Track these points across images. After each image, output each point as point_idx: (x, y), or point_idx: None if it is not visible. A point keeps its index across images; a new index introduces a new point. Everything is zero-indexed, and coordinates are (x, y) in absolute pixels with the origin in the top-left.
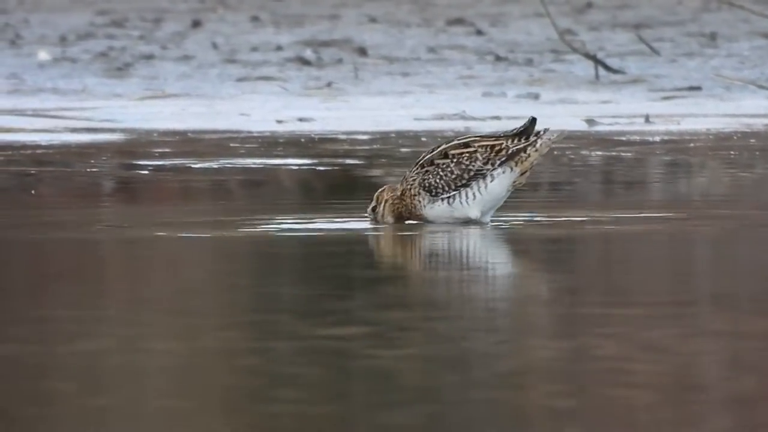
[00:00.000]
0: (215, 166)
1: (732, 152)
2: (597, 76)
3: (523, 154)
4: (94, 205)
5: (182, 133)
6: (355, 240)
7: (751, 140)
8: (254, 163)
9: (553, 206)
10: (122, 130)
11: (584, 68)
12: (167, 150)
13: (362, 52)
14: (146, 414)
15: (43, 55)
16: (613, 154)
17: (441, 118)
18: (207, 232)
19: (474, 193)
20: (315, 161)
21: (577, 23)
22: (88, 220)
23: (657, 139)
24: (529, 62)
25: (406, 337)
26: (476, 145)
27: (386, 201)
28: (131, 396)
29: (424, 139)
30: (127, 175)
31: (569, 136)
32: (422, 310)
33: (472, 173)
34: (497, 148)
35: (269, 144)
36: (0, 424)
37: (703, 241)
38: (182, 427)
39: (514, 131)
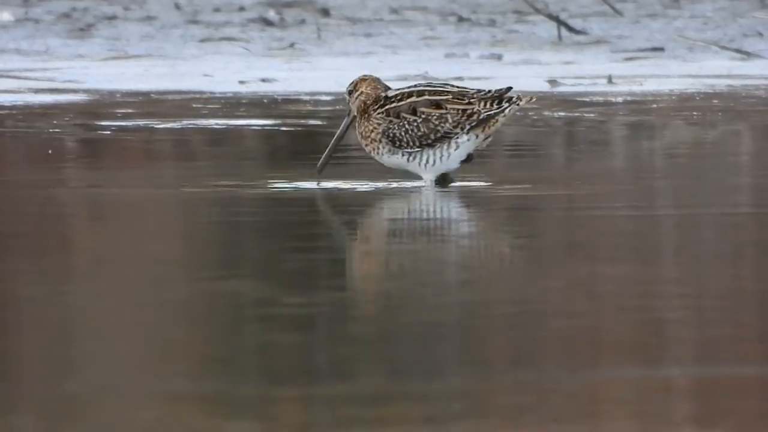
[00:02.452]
0: (178, 127)
1: (694, 113)
2: (560, 37)
3: (492, 120)
4: (57, 165)
5: (145, 94)
6: (311, 199)
7: (714, 101)
8: (217, 124)
9: (514, 168)
10: (85, 91)
11: (547, 29)
12: (130, 111)
13: (325, 12)
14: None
15: (6, 16)
16: (576, 114)
17: (404, 78)
18: (169, 190)
19: (435, 158)
20: (278, 122)
21: None
22: (51, 180)
23: (620, 99)
24: (492, 23)
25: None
26: (448, 106)
27: (361, 94)
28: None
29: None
30: (90, 136)
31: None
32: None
33: (439, 134)
34: (469, 112)
35: (232, 105)
36: None
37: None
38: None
39: (489, 93)
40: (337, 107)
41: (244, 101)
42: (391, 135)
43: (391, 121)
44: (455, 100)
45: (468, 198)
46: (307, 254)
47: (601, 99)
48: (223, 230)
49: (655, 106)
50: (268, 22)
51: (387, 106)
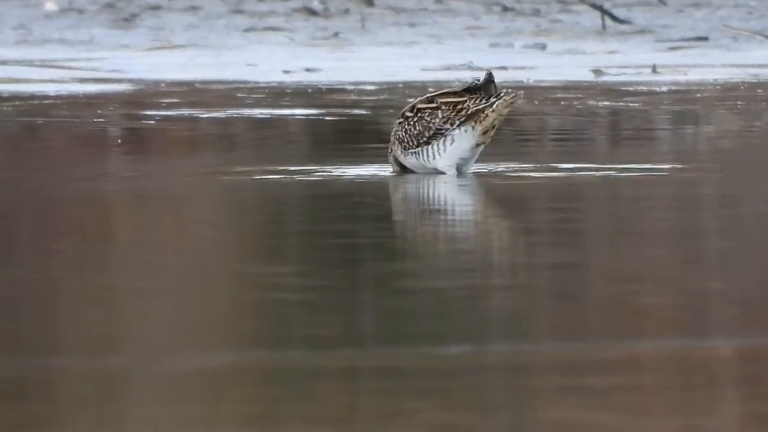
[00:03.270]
0: (222, 116)
1: (738, 102)
2: (604, 27)
3: (482, 114)
4: (102, 155)
5: (189, 84)
6: (356, 188)
7: (758, 90)
8: (261, 114)
9: (558, 156)
10: (129, 81)
11: (591, 19)
12: (174, 100)
13: (369, 2)
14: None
15: (50, 5)
16: (620, 104)
17: (448, 68)
18: (215, 178)
19: (434, 152)
20: (322, 111)
21: None
22: (97, 169)
23: (664, 89)
24: (536, 13)
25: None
26: (440, 101)
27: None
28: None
29: (431, 89)
30: (135, 125)
31: (577, 86)
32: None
33: (432, 131)
34: (459, 107)
35: (276, 94)
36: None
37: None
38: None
39: (473, 85)
40: (381, 96)
41: (288, 91)
42: (398, 137)
43: (398, 123)
44: (449, 95)
45: (509, 184)
46: (349, 239)
47: (645, 89)
48: (267, 218)
49: (699, 95)
50: (312, 12)
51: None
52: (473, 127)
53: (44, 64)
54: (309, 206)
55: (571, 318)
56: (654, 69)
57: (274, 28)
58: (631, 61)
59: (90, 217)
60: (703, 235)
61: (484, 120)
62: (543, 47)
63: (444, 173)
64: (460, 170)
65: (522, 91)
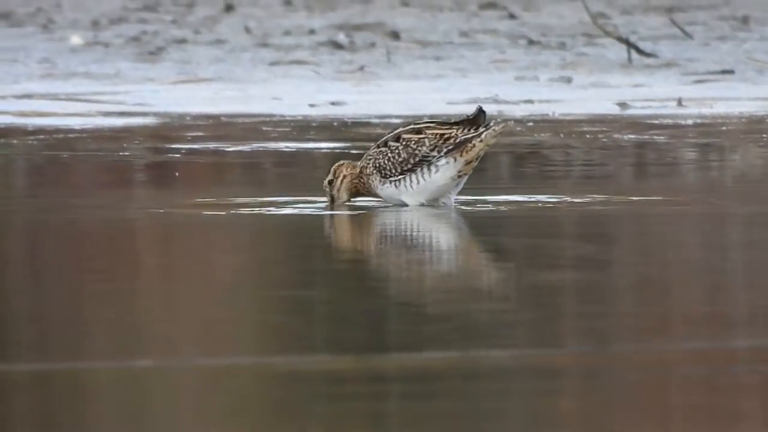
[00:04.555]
0: (248, 150)
1: (764, 135)
2: (629, 60)
3: (469, 144)
4: (127, 188)
5: (215, 117)
6: (377, 220)
7: None
8: (287, 147)
9: (582, 188)
10: (155, 114)
11: (617, 52)
12: (200, 134)
13: (395, 36)
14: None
15: (76, 39)
16: (646, 137)
17: (474, 101)
18: (238, 212)
19: (418, 179)
20: (348, 145)
21: (610, 7)
22: (122, 203)
23: (689, 122)
24: (562, 46)
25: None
26: (428, 132)
27: (344, 177)
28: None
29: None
30: (160, 159)
31: (602, 119)
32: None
33: (417, 158)
34: (446, 136)
35: (302, 128)
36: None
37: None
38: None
39: (464, 118)
40: None
41: (313, 124)
42: (377, 165)
43: (380, 152)
44: (437, 126)
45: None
46: (363, 266)
47: (670, 122)
48: (292, 249)
49: (724, 128)
50: (338, 45)
51: (379, 141)
52: (455, 159)
53: (70, 98)
54: (331, 239)
55: (593, 325)
56: (679, 102)
57: (299, 62)
58: (657, 94)
59: (116, 246)
60: (728, 267)
61: (470, 150)
62: (569, 80)
63: (408, 204)
64: (440, 202)
65: (512, 121)
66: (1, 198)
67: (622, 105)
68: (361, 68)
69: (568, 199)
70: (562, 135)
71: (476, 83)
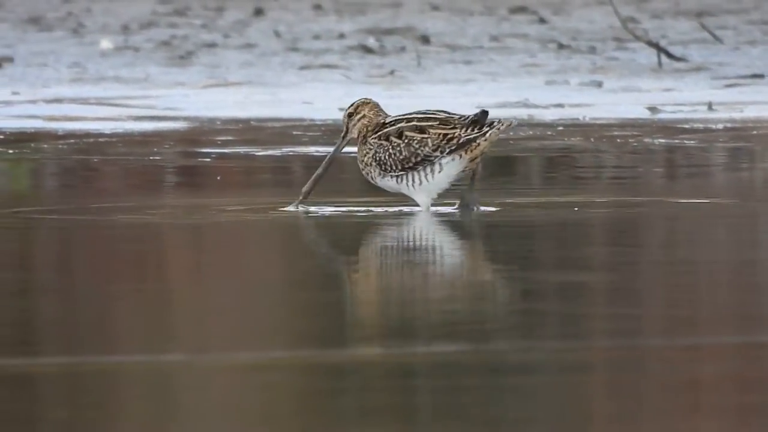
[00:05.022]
0: (278, 154)
1: None
2: (660, 64)
3: (473, 144)
4: (157, 192)
5: (245, 121)
6: (410, 222)
7: None
8: (317, 151)
9: (615, 191)
10: (185, 119)
11: (647, 56)
12: (230, 138)
13: (425, 40)
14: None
15: (106, 43)
16: (676, 141)
17: (504, 106)
18: (268, 216)
19: (420, 179)
20: None
21: (640, 11)
22: (151, 206)
23: (720, 126)
24: (592, 50)
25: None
26: (431, 131)
27: (363, 116)
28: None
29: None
30: (190, 163)
31: (633, 124)
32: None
33: (419, 158)
34: (449, 136)
35: (332, 132)
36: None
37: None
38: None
39: (467, 119)
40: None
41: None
42: (378, 158)
43: (380, 145)
44: (440, 126)
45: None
46: (397, 266)
47: (701, 126)
48: (322, 252)
49: (755, 132)
50: (368, 50)
51: (380, 132)
52: (461, 156)
53: (99, 102)
54: (362, 243)
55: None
56: (710, 106)
57: (329, 66)
58: (687, 98)
59: (146, 248)
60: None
61: (474, 149)
62: (599, 84)
63: (422, 204)
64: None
65: (516, 120)
66: (33, 202)
67: (653, 109)
68: (391, 72)
69: (599, 200)
70: (592, 139)
71: (506, 87)
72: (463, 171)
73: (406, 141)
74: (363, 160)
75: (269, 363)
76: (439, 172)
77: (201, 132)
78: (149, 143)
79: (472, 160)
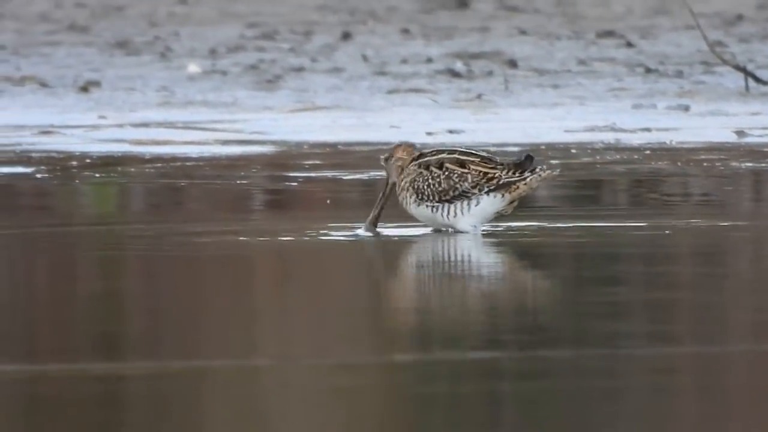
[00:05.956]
0: (365, 178)
1: None
2: (747, 88)
3: (513, 186)
4: (245, 216)
5: (332, 145)
6: (492, 244)
7: None
8: None
9: (700, 214)
10: (272, 143)
11: (734, 80)
12: (317, 162)
13: (512, 64)
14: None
15: (193, 67)
16: (763, 165)
17: (591, 129)
18: (353, 238)
19: (457, 211)
20: None
21: (728, 35)
22: (239, 231)
23: None
24: (680, 74)
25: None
26: (472, 167)
27: (398, 159)
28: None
29: (574, 150)
30: (278, 187)
31: (720, 148)
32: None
33: (457, 192)
34: (489, 176)
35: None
36: None
37: None
38: None
39: (512, 162)
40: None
41: None
42: (416, 186)
43: (420, 173)
44: (481, 163)
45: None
46: (479, 282)
47: None
48: (407, 273)
49: None
50: (455, 74)
51: (420, 160)
52: (503, 195)
53: (187, 126)
54: (446, 262)
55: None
56: None
57: (417, 90)
58: None
59: (233, 271)
60: None
61: (514, 191)
62: (686, 108)
63: (464, 231)
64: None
65: (558, 170)
66: (121, 224)
67: (740, 133)
68: (479, 96)
69: (687, 224)
70: (679, 163)
71: (594, 111)
72: (500, 211)
73: (446, 173)
74: (401, 185)
75: (351, 366)
76: (476, 205)
77: (288, 156)
78: (236, 167)
79: (510, 202)
